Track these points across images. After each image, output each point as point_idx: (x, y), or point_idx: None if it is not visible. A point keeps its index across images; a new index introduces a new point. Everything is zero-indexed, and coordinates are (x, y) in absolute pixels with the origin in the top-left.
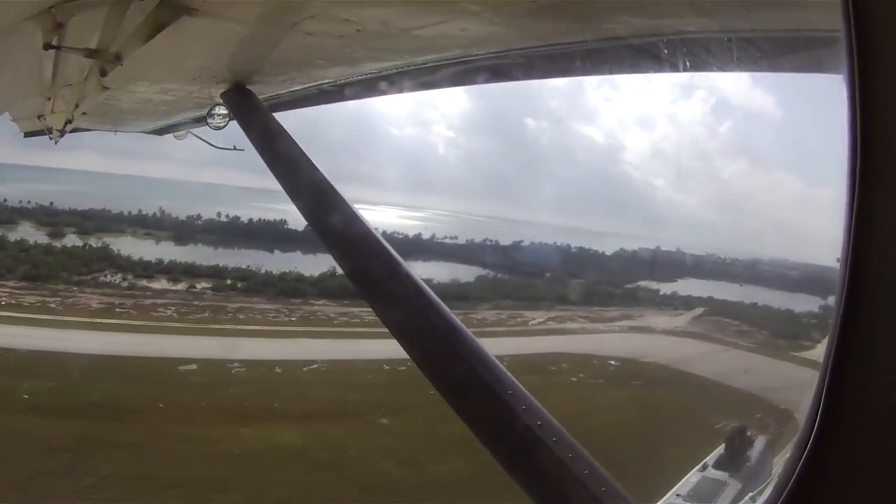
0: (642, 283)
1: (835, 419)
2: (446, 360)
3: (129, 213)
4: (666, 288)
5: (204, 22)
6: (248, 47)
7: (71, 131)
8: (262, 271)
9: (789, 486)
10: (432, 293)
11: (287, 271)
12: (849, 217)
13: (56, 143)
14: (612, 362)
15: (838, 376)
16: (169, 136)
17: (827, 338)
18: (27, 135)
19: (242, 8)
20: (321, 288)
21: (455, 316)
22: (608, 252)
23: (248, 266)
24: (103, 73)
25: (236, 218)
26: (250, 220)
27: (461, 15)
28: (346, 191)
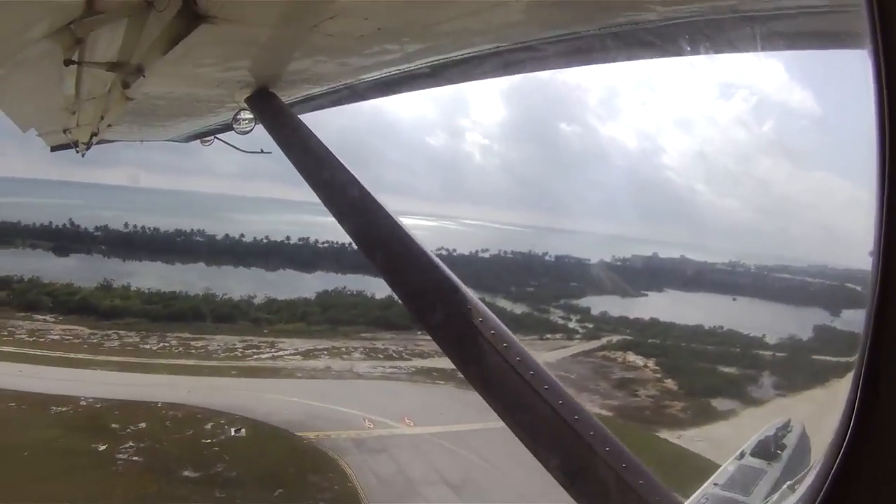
0: (578, 301)
1: (870, 419)
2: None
3: None
4: (617, 305)
5: (223, 29)
6: (269, 51)
7: (98, 143)
8: None
9: (826, 486)
10: (464, 287)
11: None
12: (880, 210)
13: (83, 155)
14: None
15: (872, 374)
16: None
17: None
18: (54, 149)
19: (261, 13)
20: None
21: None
22: (594, 259)
23: None
24: (126, 86)
25: None
26: None
27: (483, 6)
28: (380, 200)
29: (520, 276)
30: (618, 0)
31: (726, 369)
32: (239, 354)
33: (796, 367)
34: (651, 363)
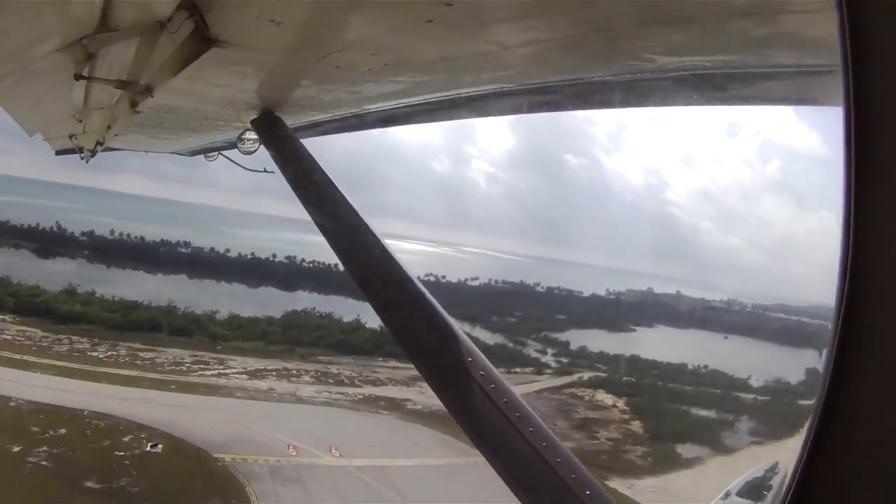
0: (559, 334)
1: (832, 424)
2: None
3: None
4: (600, 340)
5: (232, 53)
6: (276, 77)
7: (103, 150)
8: None
9: (791, 489)
10: (455, 325)
11: None
12: (845, 228)
13: (87, 162)
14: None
15: (837, 383)
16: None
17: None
18: (58, 153)
19: (270, 40)
20: None
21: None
22: (587, 293)
23: None
24: (133, 104)
25: None
26: None
27: (488, 50)
28: (383, 223)
29: (505, 306)
30: (622, 49)
31: (702, 412)
32: (184, 369)
33: (779, 413)
34: (621, 403)
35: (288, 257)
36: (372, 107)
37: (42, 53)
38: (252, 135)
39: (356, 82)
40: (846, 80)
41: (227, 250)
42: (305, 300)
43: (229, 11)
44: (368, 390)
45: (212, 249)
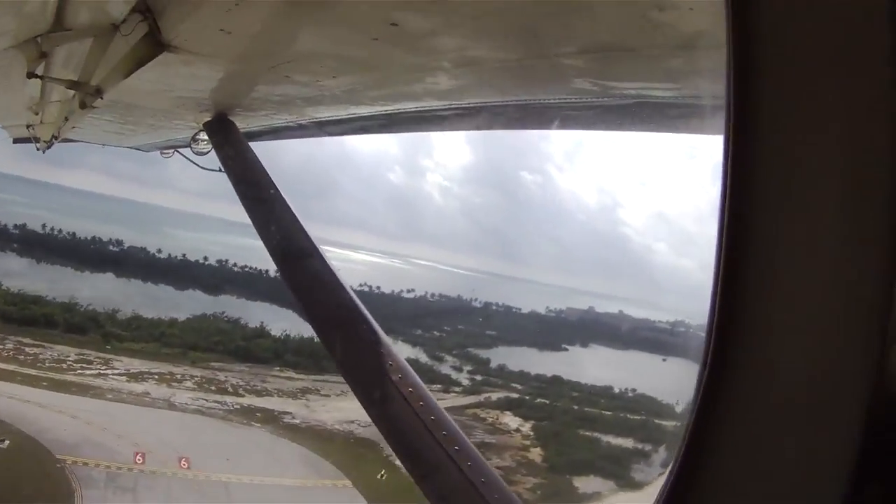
0: (484, 351)
1: (708, 426)
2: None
3: None
4: (526, 358)
5: (184, 57)
6: (228, 83)
7: (60, 142)
8: None
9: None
10: (387, 340)
11: None
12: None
13: (44, 152)
14: None
15: (713, 385)
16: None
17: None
18: (15, 141)
19: (221, 48)
20: None
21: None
22: (526, 309)
23: None
24: (83, 106)
25: None
26: None
27: (433, 68)
28: (333, 232)
29: (434, 319)
30: (565, 74)
31: (616, 441)
32: (65, 367)
33: None
34: (527, 427)
35: (219, 261)
36: (320, 116)
37: None
38: (205, 136)
39: (305, 92)
40: (728, 103)
41: (159, 251)
42: (225, 304)
43: (182, 17)
44: (250, 400)
45: (143, 249)
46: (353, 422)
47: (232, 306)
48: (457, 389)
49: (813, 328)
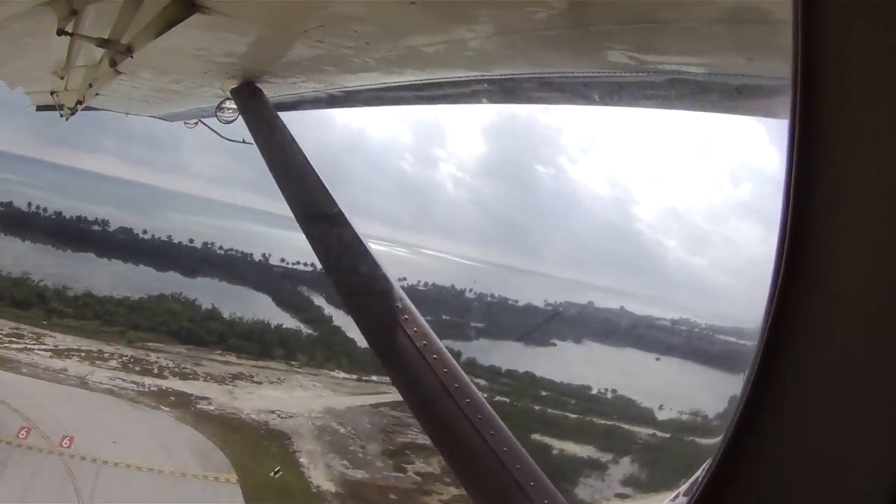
0: (463, 343)
1: (752, 422)
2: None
3: None
4: (505, 353)
5: (216, 19)
6: (258, 48)
7: (83, 110)
8: None
9: (702, 484)
10: (412, 307)
11: None
12: (781, 239)
13: (66, 119)
14: None
15: (762, 379)
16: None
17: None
18: (39, 108)
19: (253, 10)
20: None
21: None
22: (522, 302)
23: None
24: (113, 64)
25: None
26: None
27: (469, 36)
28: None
29: (422, 310)
30: (601, 46)
31: (574, 449)
32: None
33: (672, 456)
34: None
35: (205, 243)
36: (350, 85)
37: (26, 6)
38: (231, 104)
39: (337, 59)
40: (794, 91)
41: (145, 231)
42: (199, 286)
43: None
44: (171, 383)
45: (128, 230)
46: (272, 412)
47: (204, 288)
48: None
49: (871, 328)
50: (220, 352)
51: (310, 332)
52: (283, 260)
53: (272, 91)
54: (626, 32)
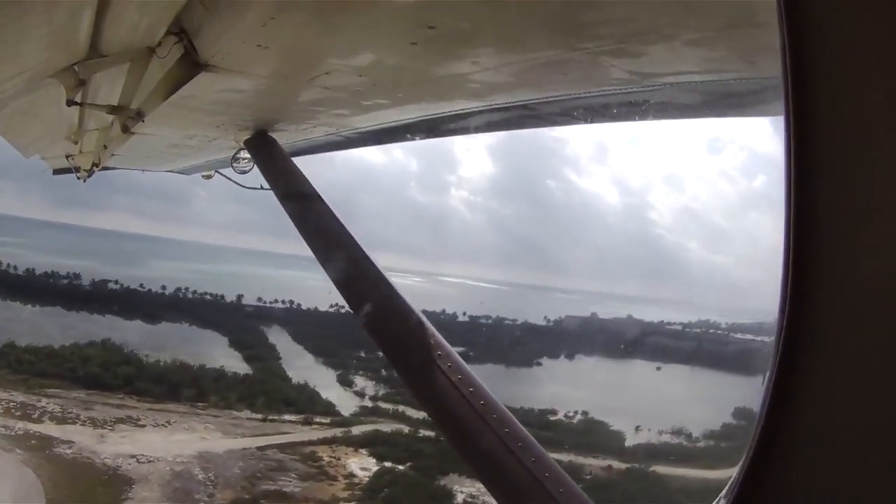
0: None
1: (778, 424)
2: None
3: None
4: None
5: (222, 76)
6: (267, 99)
7: (100, 170)
8: None
9: (735, 488)
10: (438, 335)
11: None
12: (786, 238)
13: (84, 181)
14: None
15: (783, 381)
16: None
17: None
18: (56, 172)
19: (259, 65)
20: None
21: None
22: (519, 320)
23: None
24: (125, 129)
25: None
26: None
27: (472, 70)
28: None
29: None
30: (602, 66)
31: (483, 497)
32: None
33: (623, 492)
34: (367, 473)
35: (178, 289)
36: (360, 126)
37: (35, 81)
38: (246, 154)
39: (345, 103)
40: (786, 87)
41: (116, 282)
42: (156, 331)
43: (217, 36)
44: (43, 427)
45: (101, 282)
46: (134, 457)
47: (159, 333)
48: (324, 421)
49: (888, 330)
50: (121, 395)
51: (246, 371)
52: (259, 299)
53: (285, 138)
54: (625, 50)
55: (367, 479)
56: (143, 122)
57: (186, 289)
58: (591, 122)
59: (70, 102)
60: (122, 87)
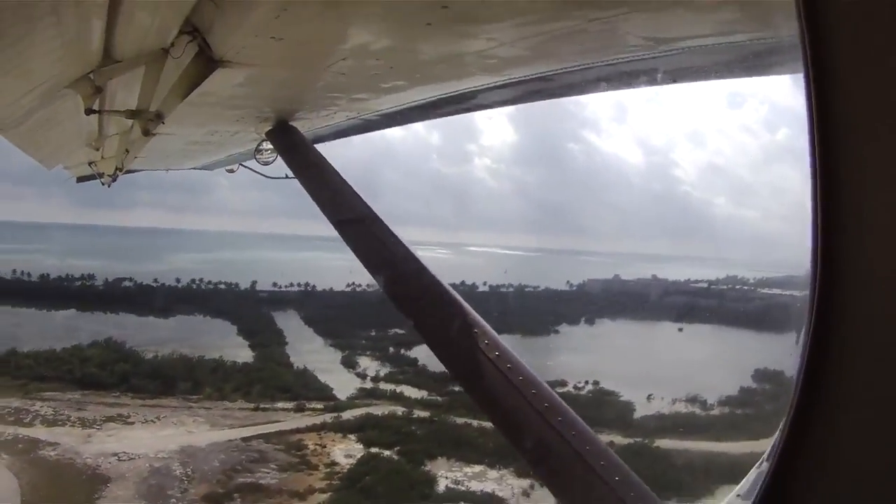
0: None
1: (809, 414)
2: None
3: None
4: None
5: (239, 70)
6: (286, 89)
7: (124, 174)
8: None
9: (765, 479)
10: (481, 321)
11: None
12: (814, 217)
13: (108, 186)
14: None
15: (812, 372)
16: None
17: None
18: (80, 180)
19: (274, 56)
20: None
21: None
22: (541, 287)
23: None
24: (146, 132)
25: None
26: None
27: (487, 46)
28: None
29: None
30: (618, 33)
31: (473, 483)
32: None
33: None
34: (350, 460)
35: (192, 280)
36: (380, 108)
37: (51, 93)
38: (269, 145)
39: (363, 87)
40: (807, 79)
41: (130, 279)
42: (166, 325)
43: (230, 32)
44: (32, 430)
45: (114, 281)
46: (116, 455)
47: (168, 326)
48: (318, 406)
49: None
50: (117, 394)
51: (246, 359)
52: (275, 284)
53: (306, 126)
54: (640, 17)
55: (348, 467)
56: (163, 123)
57: (201, 280)
58: (610, 89)
59: (89, 111)
60: (139, 91)
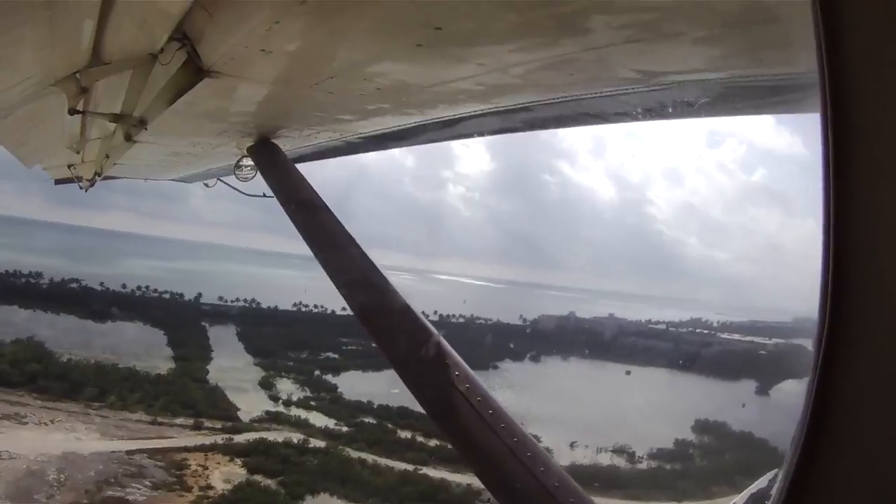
0: (337, 377)
1: (823, 424)
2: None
3: None
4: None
5: (225, 82)
6: (271, 105)
7: (102, 179)
8: None
9: (782, 490)
10: (443, 341)
11: None
12: (826, 218)
13: (86, 190)
14: None
15: (826, 380)
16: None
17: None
18: (57, 182)
19: (262, 70)
20: None
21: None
22: (493, 320)
23: None
24: (128, 137)
25: None
26: None
27: (479, 71)
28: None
29: (332, 337)
30: (611, 65)
31: None
32: None
33: None
34: (228, 485)
35: (138, 287)
36: (363, 131)
37: (37, 89)
38: (249, 161)
39: (348, 108)
40: (823, 87)
41: (77, 279)
42: (98, 329)
43: (220, 42)
44: None
45: (60, 282)
46: None
47: (98, 331)
48: (216, 426)
49: None
50: (21, 393)
51: (161, 371)
52: (220, 298)
53: (288, 145)
54: (632, 50)
55: (222, 492)
56: (145, 129)
57: (147, 287)
58: (597, 123)
59: (72, 111)
60: (124, 95)
